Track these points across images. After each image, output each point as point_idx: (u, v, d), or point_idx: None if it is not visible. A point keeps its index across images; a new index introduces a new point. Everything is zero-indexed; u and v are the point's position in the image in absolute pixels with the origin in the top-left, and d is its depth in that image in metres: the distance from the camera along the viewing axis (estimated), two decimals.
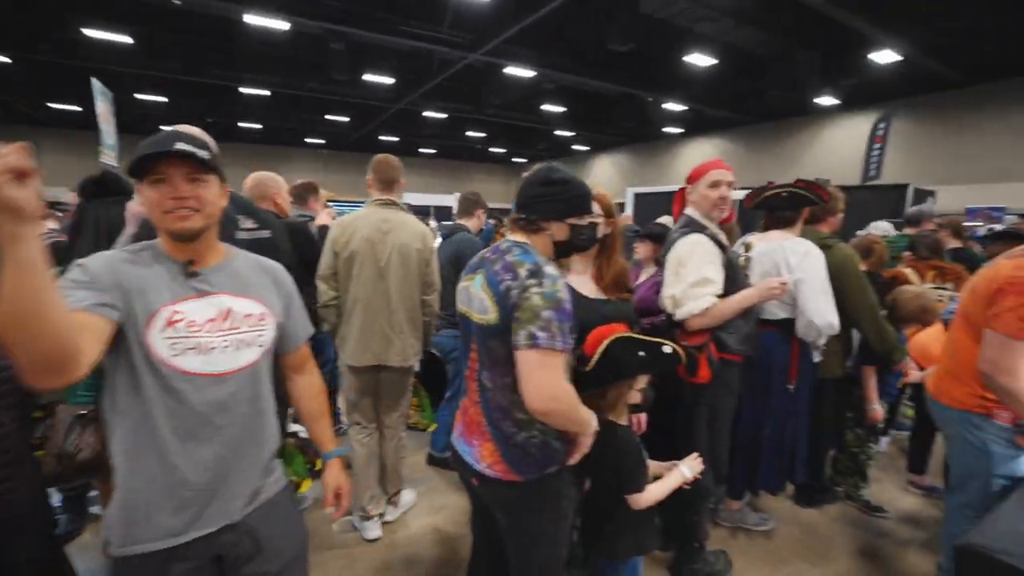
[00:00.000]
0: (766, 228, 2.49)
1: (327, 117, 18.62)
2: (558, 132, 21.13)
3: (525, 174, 1.52)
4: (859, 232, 4.19)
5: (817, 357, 2.39)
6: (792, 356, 2.28)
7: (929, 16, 9.51)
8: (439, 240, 3.70)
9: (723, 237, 2.09)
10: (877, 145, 10.49)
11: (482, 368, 1.43)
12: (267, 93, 15.27)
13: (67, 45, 11.37)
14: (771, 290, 1.98)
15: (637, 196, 8.49)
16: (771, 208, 2.44)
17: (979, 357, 1.71)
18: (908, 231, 4.17)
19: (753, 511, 2.84)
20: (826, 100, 15.11)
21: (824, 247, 2.41)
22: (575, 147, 26.00)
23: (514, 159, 30.62)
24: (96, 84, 4.12)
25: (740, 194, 8.05)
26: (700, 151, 21.40)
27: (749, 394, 2.33)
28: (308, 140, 24.51)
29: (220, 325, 1.20)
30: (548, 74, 13.07)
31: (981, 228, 6.95)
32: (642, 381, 1.68)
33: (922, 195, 9.47)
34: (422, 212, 17.37)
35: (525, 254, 1.36)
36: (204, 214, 1.17)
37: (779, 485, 2.60)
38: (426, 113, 18.17)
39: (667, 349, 1.59)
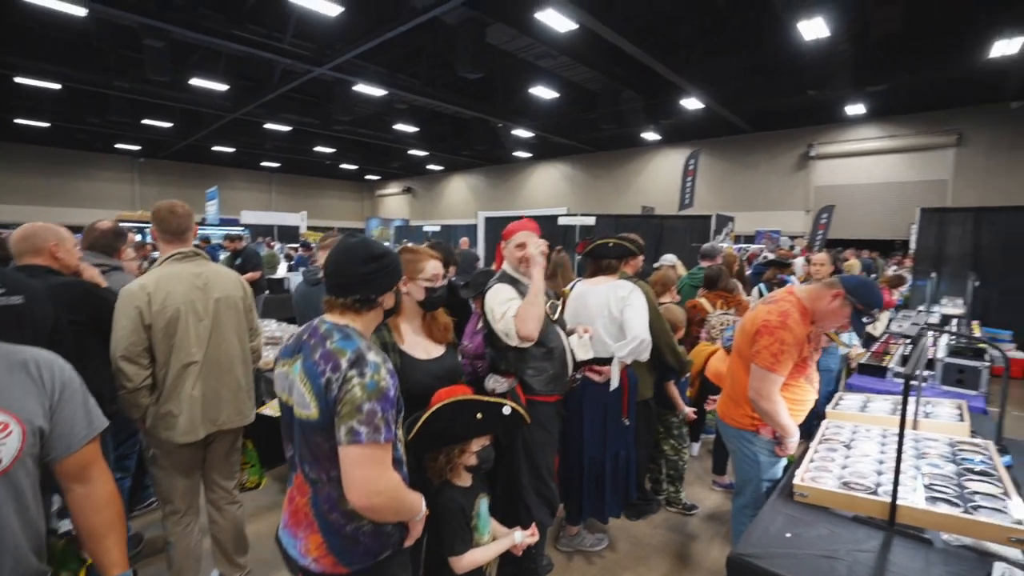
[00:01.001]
0: (593, 274, 2.75)
1: (144, 121, 16.21)
2: (413, 152, 21.05)
3: (327, 250, 1.46)
4: (656, 264, 4.78)
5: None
6: (624, 392, 2.54)
7: (716, 77, 11.48)
8: (284, 268, 3.40)
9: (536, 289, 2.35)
10: (689, 178, 12.22)
11: (304, 461, 1.34)
12: (56, 86, 12.80)
13: None
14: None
15: (488, 220, 8.76)
16: (599, 256, 2.71)
17: (748, 386, 2.09)
18: (704, 264, 4.69)
19: (590, 533, 3.05)
20: (650, 135, 17.30)
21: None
22: (430, 167, 26.11)
23: (367, 176, 29.74)
24: None
25: (589, 220, 8.91)
26: (547, 175, 22.93)
27: (589, 430, 2.54)
28: (119, 146, 21.08)
29: None
30: (398, 94, 12.99)
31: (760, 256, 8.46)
32: (478, 443, 1.69)
33: (724, 220, 11.26)
34: (264, 232, 15.92)
35: (346, 340, 1.29)
36: None
37: (622, 508, 2.85)
38: (268, 125, 16.83)
39: (507, 410, 1.63)
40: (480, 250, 10.76)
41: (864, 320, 1.98)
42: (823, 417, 2.41)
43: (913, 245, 13.23)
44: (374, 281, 1.38)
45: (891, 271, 9.07)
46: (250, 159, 23.77)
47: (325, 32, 10.16)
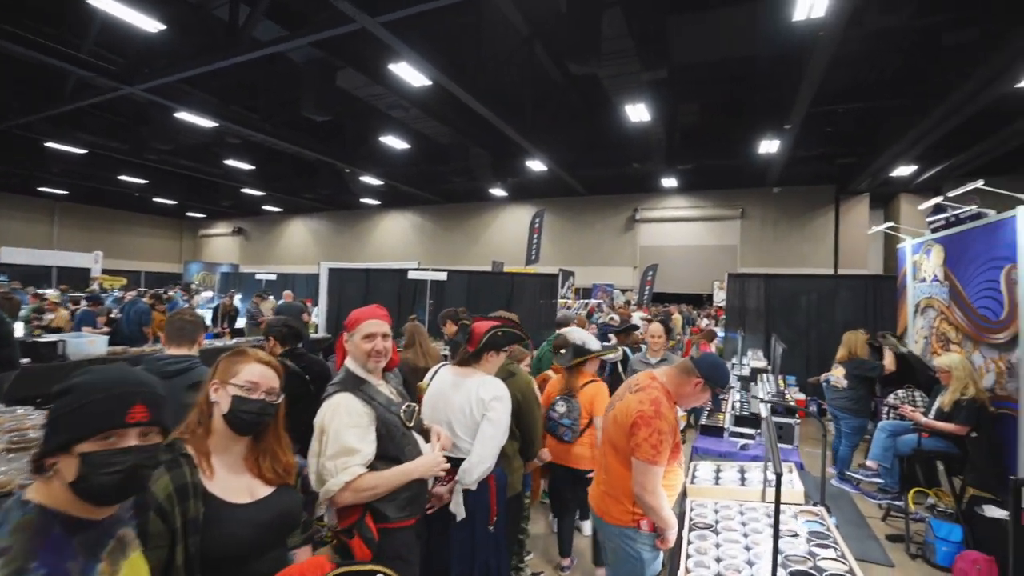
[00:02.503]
0: (463, 362, 2.36)
1: None
2: (246, 190, 19.13)
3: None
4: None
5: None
6: (491, 497, 2.27)
7: (556, 144, 12.59)
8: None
9: (387, 389, 1.89)
10: (535, 235, 12.94)
11: None
12: None
13: None
14: (436, 468, 1.84)
15: (332, 271, 8.12)
16: (488, 347, 2.34)
17: (632, 480, 2.01)
18: (560, 332, 4.78)
19: None
20: (498, 191, 18.14)
21: (510, 374, 2.58)
22: (266, 208, 23.97)
23: (189, 213, 26.20)
24: None
25: (440, 275, 8.68)
26: (396, 223, 22.57)
27: (457, 545, 2.17)
28: None
29: None
30: (231, 127, 11.75)
31: (604, 316, 9.13)
32: None
33: (567, 275, 12.03)
34: (40, 275, 12.77)
35: None
36: None
37: None
38: (52, 144, 13.86)
39: None
40: (322, 304, 9.82)
41: (720, 397, 2.13)
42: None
43: (717, 299, 15.65)
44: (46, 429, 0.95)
45: (704, 323, 10.44)
46: (23, 182, 19.35)
47: (140, 47, 8.83)
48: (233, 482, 1.31)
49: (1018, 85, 7.56)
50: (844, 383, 4.92)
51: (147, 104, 10.64)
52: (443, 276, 8.59)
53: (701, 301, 16.57)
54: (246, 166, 15.66)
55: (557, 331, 4.72)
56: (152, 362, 2.33)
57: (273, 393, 1.37)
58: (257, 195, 20.08)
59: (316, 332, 9.29)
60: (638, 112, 9.87)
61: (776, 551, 1.52)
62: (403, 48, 7.46)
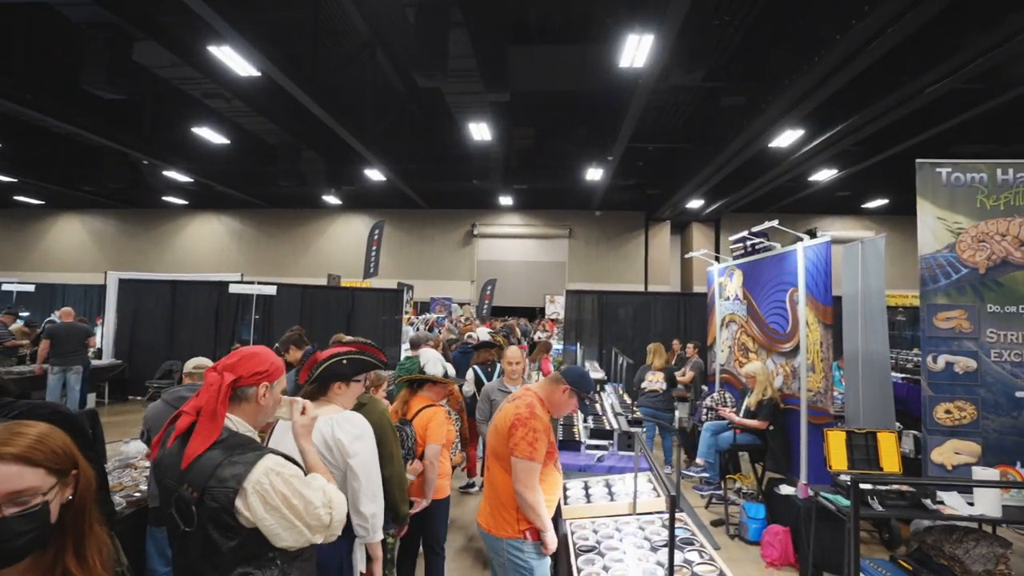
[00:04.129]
0: (312, 396, 2.01)
1: None
2: None
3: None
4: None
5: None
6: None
7: (396, 154, 12.32)
8: None
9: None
10: (374, 247, 12.41)
11: None
12: None
13: None
14: None
15: (124, 283, 6.74)
16: (333, 378, 2.04)
17: (512, 481, 2.11)
18: (413, 354, 4.46)
19: None
20: (332, 199, 17.03)
21: (360, 405, 2.19)
22: (19, 198, 18.86)
23: None
24: None
25: (269, 289, 7.68)
26: (209, 227, 19.76)
27: None
28: None
29: None
30: None
31: (444, 331, 9.04)
32: None
33: (406, 287, 11.73)
34: None
35: None
36: None
37: None
38: None
39: None
40: (109, 323, 7.97)
41: (587, 402, 2.39)
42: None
43: (549, 312, 16.78)
44: None
45: (539, 335, 11.07)
46: None
47: None
48: None
49: (771, 144, 9.59)
50: (663, 387, 5.64)
51: None
52: (272, 290, 7.63)
53: (534, 314, 17.62)
54: None
55: (410, 353, 4.52)
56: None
57: (19, 495, 0.87)
58: (4, 181, 15.72)
59: (101, 359, 7.55)
60: (480, 131, 10.16)
61: (672, 566, 1.62)
62: (227, 30, 6.56)
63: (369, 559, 2.01)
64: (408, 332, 9.19)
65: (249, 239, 19.55)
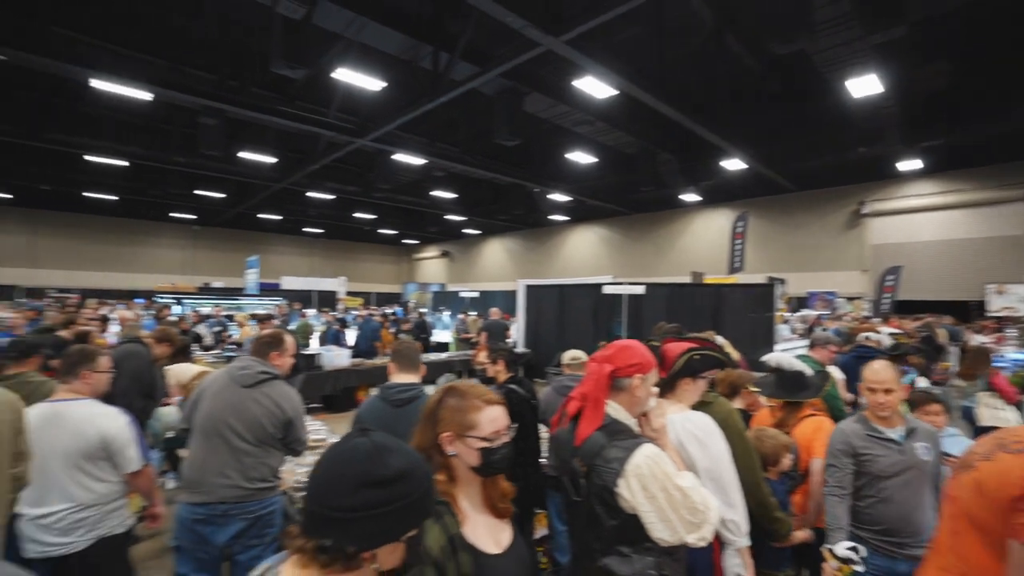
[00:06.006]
0: (660, 392, 1.88)
1: (197, 192, 17.11)
2: (449, 216, 21.39)
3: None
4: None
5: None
6: (714, 554, 1.92)
7: (757, 137, 11.20)
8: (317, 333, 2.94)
9: None
10: (738, 240, 11.70)
11: None
12: (124, 163, 13.68)
13: None
14: None
15: (529, 288, 8.40)
16: (682, 373, 1.93)
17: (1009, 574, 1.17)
18: (814, 355, 3.84)
19: None
20: (690, 197, 17.01)
21: (703, 403, 2.02)
22: (466, 231, 26.48)
23: (404, 240, 30.40)
24: None
25: (638, 288, 8.27)
26: (584, 237, 22.80)
27: None
28: (174, 215, 22.30)
29: None
30: (437, 162, 13.24)
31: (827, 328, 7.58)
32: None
33: (776, 283, 10.57)
34: (302, 298, 16.08)
35: None
36: None
37: None
38: (311, 193, 17.47)
39: None
40: (520, 320, 10.22)
41: None
42: None
43: (995, 307, 12.15)
44: (361, 523, 0.86)
45: (975, 341, 8.09)
46: (294, 225, 24.69)
47: (368, 106, 10.52)
48: (480, 527, 1.29)
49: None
50: None
51: (373, 152, 12.62)
52: (641, 290, 8.11)
53: (966, 311, 12.99)
54: (449, 195, 17.51)
55: (809, 353, 3.92)
56: (385, 391, 2.46)
57: (509, 429, 1.33)
58: (459, 220, 22.31)
59: (516, 348, 9.74)
60: (864, 85, 8.24)
61: None
62: (586, 62, 7.47)
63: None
64: (782, 331, 8.26)
65: (617, 244, 21.55)
